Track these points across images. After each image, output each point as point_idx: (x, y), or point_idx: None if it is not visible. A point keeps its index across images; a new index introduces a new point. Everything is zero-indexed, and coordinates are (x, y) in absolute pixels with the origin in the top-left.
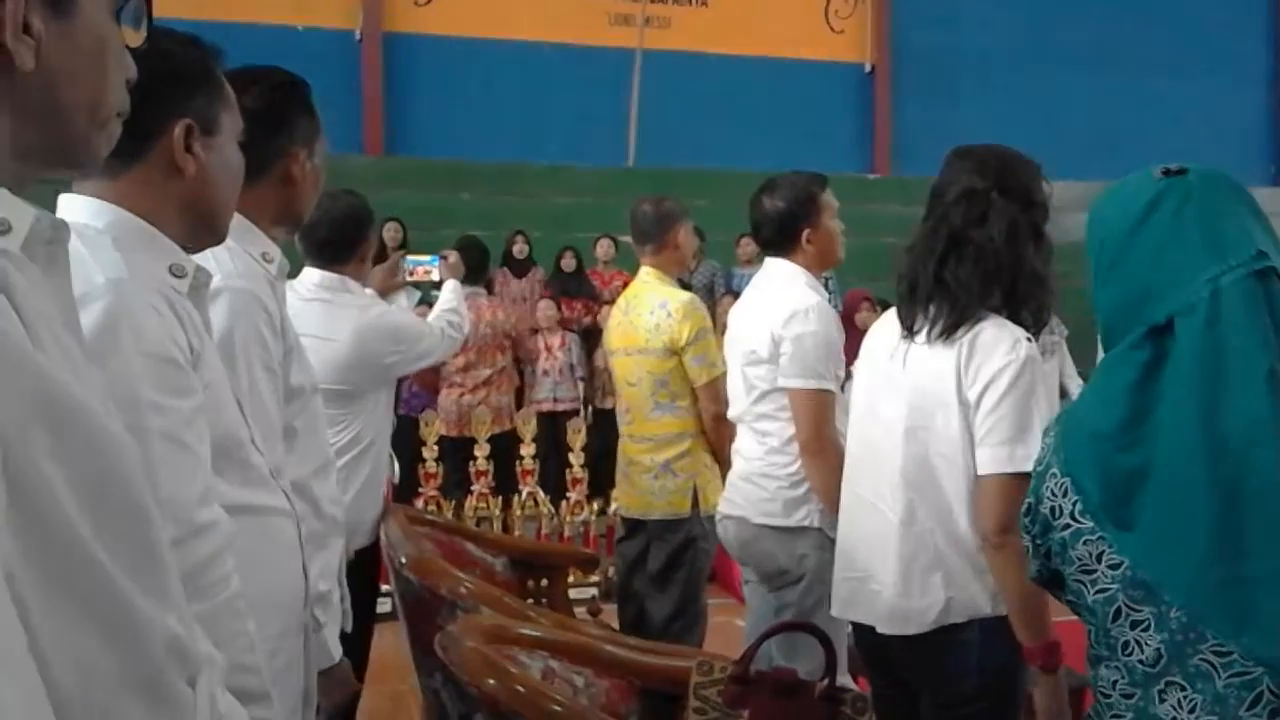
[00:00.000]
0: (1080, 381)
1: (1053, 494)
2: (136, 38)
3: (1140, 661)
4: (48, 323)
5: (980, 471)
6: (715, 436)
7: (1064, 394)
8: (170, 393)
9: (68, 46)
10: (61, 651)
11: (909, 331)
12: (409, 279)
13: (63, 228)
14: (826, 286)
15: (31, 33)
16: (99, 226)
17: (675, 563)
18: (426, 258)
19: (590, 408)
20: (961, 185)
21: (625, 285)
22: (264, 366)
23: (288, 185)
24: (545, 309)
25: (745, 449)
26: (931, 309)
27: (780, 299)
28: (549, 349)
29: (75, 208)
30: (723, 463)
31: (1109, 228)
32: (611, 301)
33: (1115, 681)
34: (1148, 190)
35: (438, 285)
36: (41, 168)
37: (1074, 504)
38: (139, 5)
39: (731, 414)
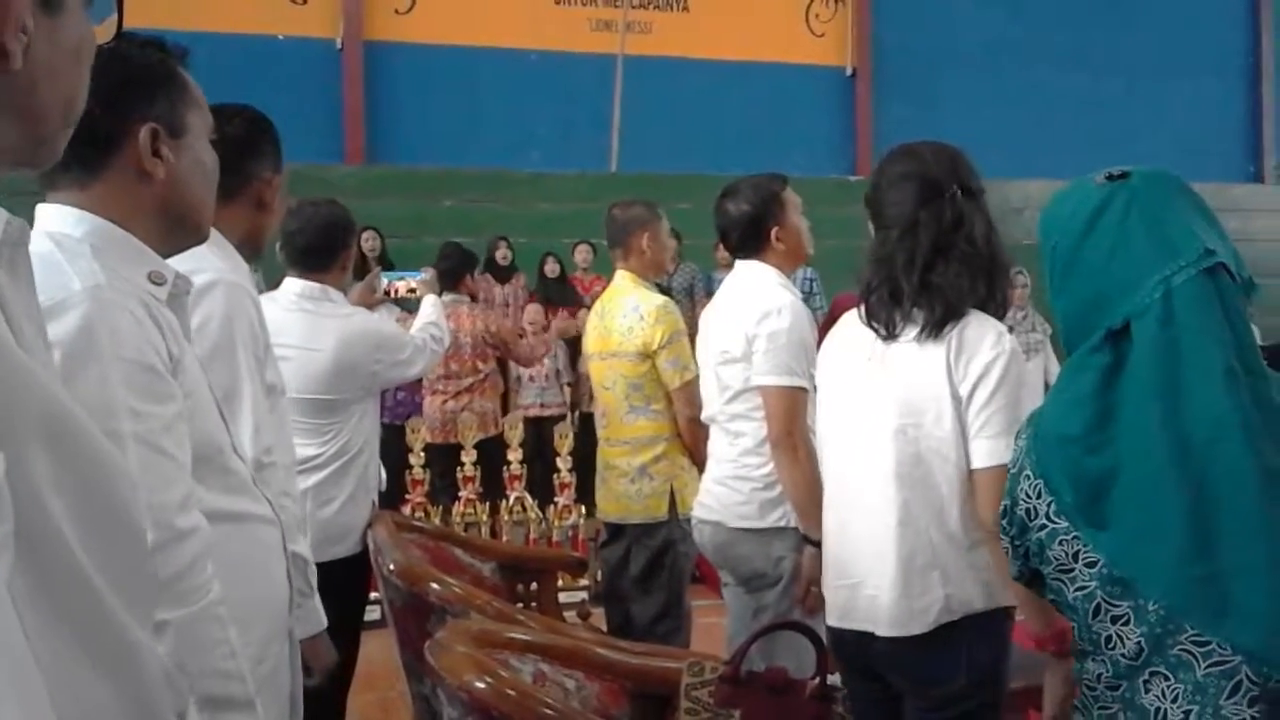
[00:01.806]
0: None
1: (1027, 495)
2: (104, 34)
3: (1123, 655)
4: (24, 328)
5: (977, 465)
6: (690, 439)
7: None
8: (149, 399)
9: (52, 44)
10: (61, 686)
11: (889, 333)
12: (388, 295)
13: (25, 229)
14: (811, 288)
15: (25, 30)
16: (77, 235)
17: (656, 566)
18: (409, 273)
19: (577, 413)
20: (922, 189)
21: (605, 290)
22: (255, 356)
23: (260, 209)
24: (532, 313)
25: (718, 450)
26: (917, 311)
27: (752, 298)
28: (540, 365)
29: (52, 216)
30: (699, 465)
31: (1059, 235)
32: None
33: (1100, 675)
34: (1093, 197)
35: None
36: (6, 168)
37: (1049, 505)
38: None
39: (705, 415)
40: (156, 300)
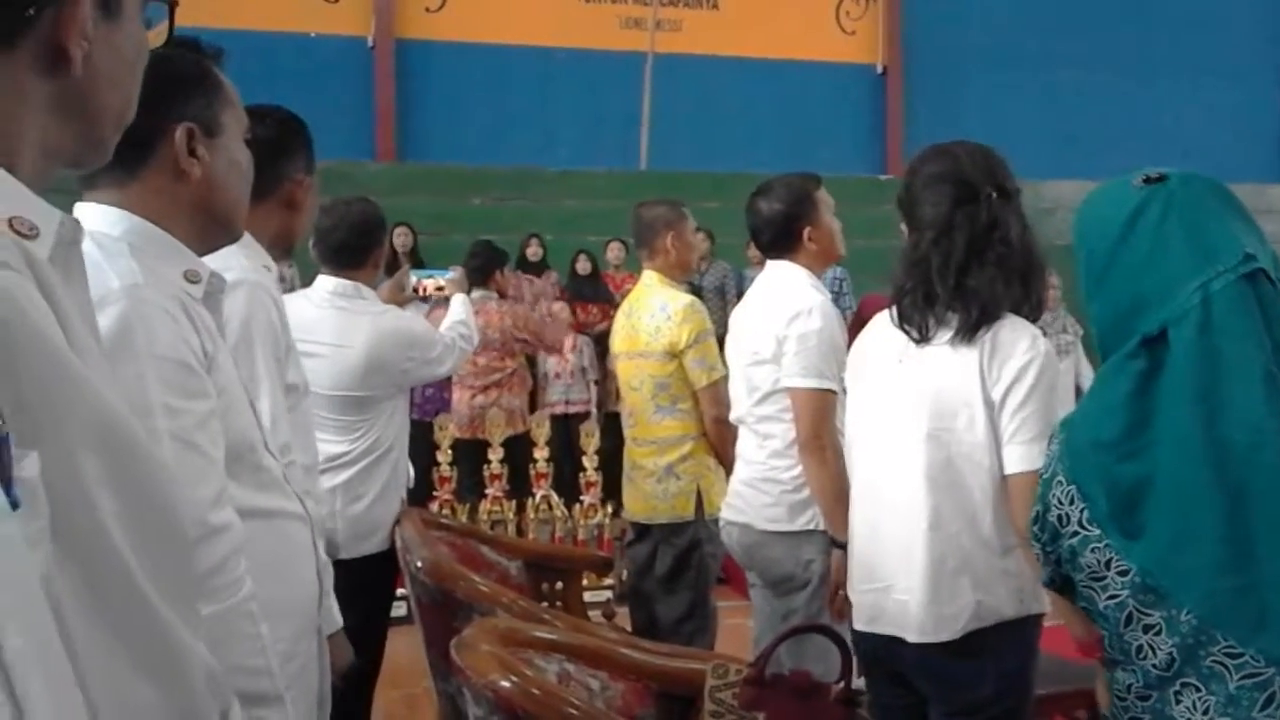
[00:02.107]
0: None
1: (1059, 501)
2: (155, 39)
3: (1154, 665)
4: (77, 330)
5: (1011, 470)
6: (716, 439)
7: (1081, 394)
8: (183, 395)
9: (110, 50)
10: (104, 684)
11: (922, 336)
12: (416, 294)
13: (79, 228)
14: (840, 288)
15: (86, 36)
16: (115, 234)
17: (682, 566)
18: (437, 271)
19: (603, 411)
20: (957, 190)
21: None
22: (274, 356)
23: (292, 209)
24: (558, 311)
25: (747, 452)
26: (951, 314)
27: (783, 299)
28: (560, 351)
29: (91, 215)
30: (726, 465)
31: (1095, 239)
32: None
33: (1130, 685)
34: (1130, 200)
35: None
36: (57, 167)
37: (1081, 511)
38: (157, 7)
39: (733, 416)
40: (192, 298)
